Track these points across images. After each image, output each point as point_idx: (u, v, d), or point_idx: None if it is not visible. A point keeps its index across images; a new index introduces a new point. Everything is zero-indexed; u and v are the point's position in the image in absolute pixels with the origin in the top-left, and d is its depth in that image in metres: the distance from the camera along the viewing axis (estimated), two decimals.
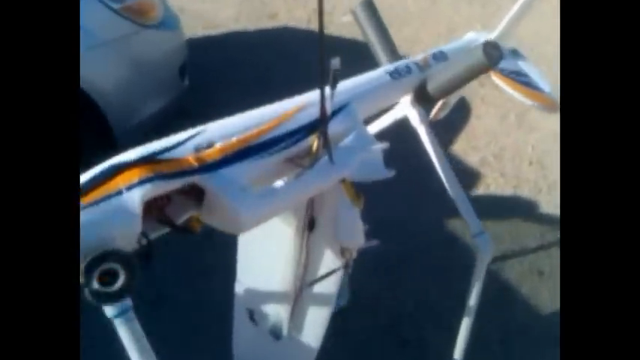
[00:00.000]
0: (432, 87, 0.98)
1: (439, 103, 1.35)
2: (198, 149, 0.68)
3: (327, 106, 0.75)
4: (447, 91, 0.98)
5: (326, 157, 0.78)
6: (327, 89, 0.72)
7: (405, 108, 1.12)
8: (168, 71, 2.27)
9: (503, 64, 1.20)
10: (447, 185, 1.18)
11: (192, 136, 0.69)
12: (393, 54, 1.07)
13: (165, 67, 2.26)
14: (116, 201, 0.57)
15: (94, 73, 1.93)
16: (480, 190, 2.45)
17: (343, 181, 0.81)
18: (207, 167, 0.67)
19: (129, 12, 2.05)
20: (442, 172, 1.16)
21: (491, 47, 0.89)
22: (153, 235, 0.67)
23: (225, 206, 0.67)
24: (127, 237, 0.59)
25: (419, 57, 1.04)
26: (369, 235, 0.84)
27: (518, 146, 2.76)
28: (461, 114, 3.04)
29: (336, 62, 0.71)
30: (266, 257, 1.03)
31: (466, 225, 1.98)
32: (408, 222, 2.21)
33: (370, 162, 0.85)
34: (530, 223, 2.24)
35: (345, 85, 0.89)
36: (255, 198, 0.69)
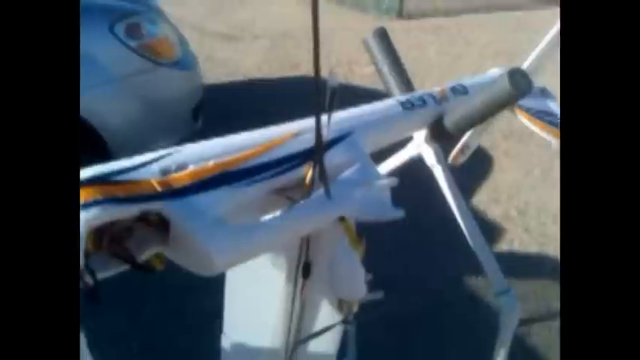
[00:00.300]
0: (449, 121, 0.88)
1: (458, 146, 1.23)
2: (165, 172, 0.58)
3: (323, 130, 0.64)
4: (466, 125, 0.86)
5: (321, 191, 0.67)
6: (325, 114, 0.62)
7: (418, 145, 1.01)
8: (180, 111, 2.22)
9: (531, 103, 1.09)
10: (467, 236, 1.05)
11: (161, 157, 0.59)
12: (407, 86, 0.98)
13: (179, 107, 2.22)
14: None
15: (103, 109, 1.89)
16: (503, 247, 2.29)
17: (342, 219, 0.69)
18: (174, 193, 0.56)
19: (146, 50, 2.03)
20: (462, 220, 1.04)
21: (519, 75, 0.79)
22: (105, 273, 0.55)
23: (193, 240, 0.56)
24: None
25: (435, 89, 0.94)
26: (372, 285, 0.71)
27: (543, 202, 2.61)
28: (482, 167, 2.92)
29: (333, 80, 0.61)
30: (255, 307, 0.90)
31: (489, 282, 1.81)
32: (426, 278, 2.05)
33: (375, 199, 0.73)
34: (557, 284, 2.06)
35: (349, 112, 0.79)
36: (230, 232, 0.58)
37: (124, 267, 0.58)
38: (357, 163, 0.73)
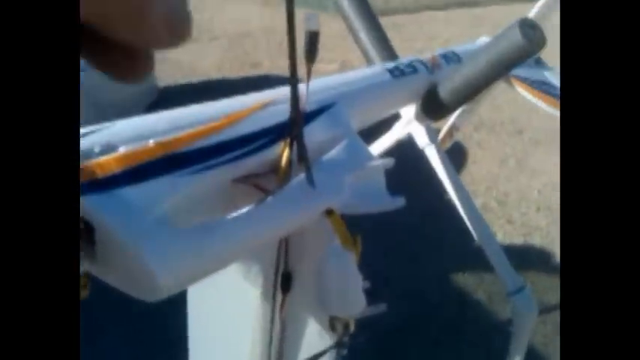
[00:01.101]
0: (445, 90, 0.73)
1: (445, 127, 1.09)
2: (87, 156, 0.41)
3: (302, 96, 0.49)
4: (467, 93, 0.71)
5: (302, 177, 0.51)
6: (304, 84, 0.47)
7: (408, 124, 0.86)
8: (131, 113, 2.02)
9: (526, 72, 0.96)
10: (470, 226, 0.91)
11: (84, 135, 0.42)
12: (390, 54, 0.82)
13: (129, 109, 2.01)
14: None
15: None
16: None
17: (330, 213, 0.53)
18: (97, 186, 0.39)
19: None
20: (463, 208, 0.89)
21: (530, 27, 0.64)
22: None
23: (127, 253, 0.39)
24: None
25: (425, 56, 0.79)
26: (371, 295, 0.55)
27: (522, 191, 2.52)
28: (457, 159, 2.81)
29: (313, 21, 0.46)
30: (225, 330, 0.73)
31: (480, 278, 1.68)
32: (409, 278, 1.91)
33: (368, 185, 0.58)
34: (547, 276, 1.95)
35: (330, 80, 0.63)
36: (179, 239, 0.41)
37: None
38: (343, 141, 0.58)
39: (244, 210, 0.47)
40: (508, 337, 1.09)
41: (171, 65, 4.15)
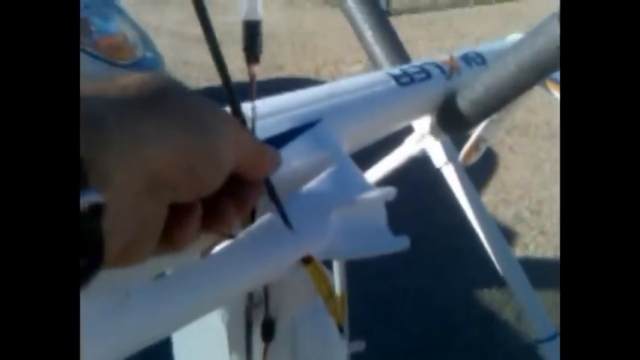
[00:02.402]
0: (466, 100, 0.61)
1: (471, 139, 0.96)
2: None
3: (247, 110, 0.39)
4: (491, 106, 0.59)
5: (269, 217, 0.40)
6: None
7: (421, 139, 0.74)
8: None
9: (557, 72, 0.82)
10: (495, 261, 0.78)
11: None
12: (401, 57, 0.71)
13: None
14: None
15: None
16: (518, 252, 2.02)
17: (307, 262, 0.42)
18: None
19: (95, 48, 1.77)
20: (486, 239, 0.77)
21: None
22: None
23: None
24: None
25: (441, 57, 0.67)
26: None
27: (557, 200, 2.35)
28: (486, 165, 2.65)
29: (253, 4, 0.35)
30: None
31: (508, 295, 1.54)
32: (433, 292, 1.78)
33: (364, 224, 0.47)
34: None
35: (317, 91, 0.52)
36: (93, 310, 0.31)
37: None
38: (329, 167, 0.46)
39: (188, 266, 0.37)
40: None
41: (194, 68, 4.12)
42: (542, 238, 2.10)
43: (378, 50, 0.70)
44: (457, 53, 0.69)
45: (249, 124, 0.39)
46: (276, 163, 0.35)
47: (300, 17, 5.40)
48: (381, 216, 0.48)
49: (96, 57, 1.75)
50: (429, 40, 4.88)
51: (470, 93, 0.60)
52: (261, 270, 0.40)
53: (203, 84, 3.88)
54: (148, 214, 0.26)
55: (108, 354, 0.32)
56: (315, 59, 4.36)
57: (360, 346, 0.48)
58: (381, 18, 0.72)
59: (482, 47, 0.74)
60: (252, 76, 0.38)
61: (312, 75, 4.07)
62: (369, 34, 0.71)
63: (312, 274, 0.42)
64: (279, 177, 0.41)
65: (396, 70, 0.60)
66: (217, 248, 0.39)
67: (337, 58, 4.28)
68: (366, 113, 0.54)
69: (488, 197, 2.36)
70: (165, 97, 0.26)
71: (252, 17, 0.36)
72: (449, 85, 0.64)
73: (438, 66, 0.64)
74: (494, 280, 1.77)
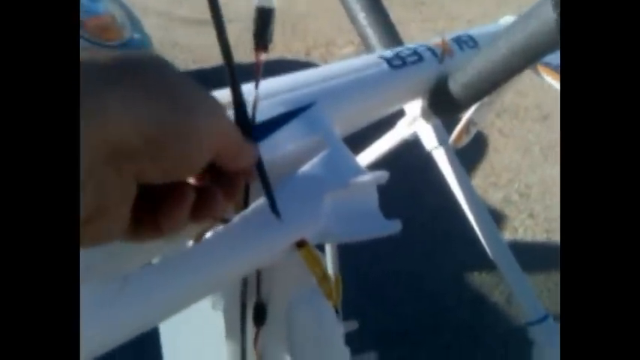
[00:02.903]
0: (458, 83, 0.61)
1: (462, 122, 0.97)
2: None
3: (248, 94, 0.38)
4: (483, 89, 0.59)
5: (263, 201, 0.40)
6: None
7: (413, 122, 0.74)
8: None
9: (557, 57, 0.82)
10: (485, 243, 0.79)
11: None
12: (394, 40, 0.70)
13: None
14: None
15: None
16: (507, 235, 2.04)
17: (301, 246, 0.42)
18: None
19: (83, 29, 1.73)
20: (476, 221, 0.77)
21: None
22: None
23: None
24: None
25: (434, 40, 0.66)
26: (358, 338, 0.45)
27: (546, 183, 2.37)
28: (476, 148, 2.67)
29: None
30: None
31: (498, 278, 1.56)
32: (424, 277, 1.80)
33: (356, 206, 0.47)
34: None
35: (309, 74, 0.51)
36: (93, 294, 0.31)
37: None
38: (322, 152, 0.46)
39: (182, 251, 0.36)
40: (526, 344, 0.99)
41: (183, 51, 4.06)
42: (531, 221, 2.13)
43: (370, 33, 0.69)
44: (449, 36, 0.69)
45: (250, 109, 0.39)
46: (254, 158, 0.34)
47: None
48: (374, 199, 0.49)
49: (83, 38, 1.72)
50: (421, 22, 4.85)
51: (462, 76, 0.60)
52: (255, 254, 0.40)
53: (192, 66, 3.83)
54: (111, 188, 0.25)
55: (108, 339, 0.32)
56: (305, 40, 4.32)
57: (353, 325, 0.48)
58: (373, 1, 0.71)
59: (475, 30, 0.74)
60: (259, 64, 0.38)
61: (302, 57, 4.04)
62: (361, 16, 0.70)
63: (306, 257, 0.42)
64: (273, 161, 0.41)
65: (389, 53, 0.60)
66: (210, 233, 0.39)
67: (328, 40, 4.25)
68: (359, 96, 0.54)
69: (477, 180, 2.37)
70: (141, 72, 0.26)
71: (265, 4, 0.35)
72: (441, 69, 0.64)
73: (430, 49, 0.64)
74: (484, 263, 1.80)
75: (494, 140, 2.73)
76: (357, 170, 0.47)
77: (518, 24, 0.56)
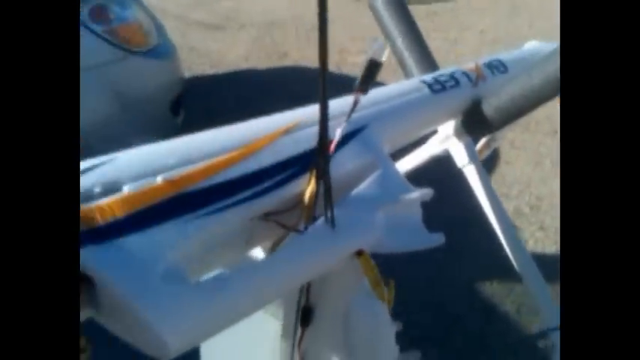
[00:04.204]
0: (492, 106, 0.66)
1: (484, 138, 1.02)
2: (87, 198, 0.36)
3: (334, 123, 0.43)
4: (515, 112, 0.65)
5: (329, 215, 0.45)
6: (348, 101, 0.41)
7: (445, 139, 0.79)
8: (157, 105, 1.99)
9: None
10: (510, 254, 0.84)
11: (85, 171, 0.38)
12: (431, 64, 0.75)
13: (155, 100, 1.98)
14: None
15: None
16: None
17: (360, 254, 0.47)
18: (99, 233, 0.35)
19: (115, 36, 1.80)
20: (503, 234, 0.82)
21: None
22: None
23: (131, 312, 0.34)
24: None
25: (468, 65, 0.72)
26: (402, 338, 0.50)
27: (557, 195, 2.41)
28: (487, 160, 2.71)
29: (380, 49, 0.40)
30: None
31: (509, 288, 1.59)
32: (435, 286, 1.84)
33: (403, 220, 0.52)
34: None
35: (363, 98, 0.57)
36: (189, 295, 0.36)
37: None
38: (375, 170, 0.52)
39: (264, 258, 0.42)
40: (535, 352, 1.02)
41: (200, 55, 4.12)
42: (542, 233, 2.17)
43: (407, 56, 0.75)
44: (482, 60, 0.74)
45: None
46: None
47: (300, 4, 5.41)
48: (418, 214, 0.54)
49: (114, 44, 1.78)
50: (432, 31, 4.90)
51: (496, 100, 0.65)
52: (322, 262, 0.45)
53: (208, 71, 3.90)
54: None
55: (198, 336, 0.37)
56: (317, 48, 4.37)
57: (398, 326, 0.53)
58: (411, 25, 0.76)
59: (504, 55, 0.79)
60: (356, 101, 0.43)
61: (315, 63, 4.09)
62: (399, 41, 0.75)
63: (364, 264, 0.48)
64: (336, 178, 0.47)
65: (429, 78, 0.65)
66: (285, 242, 0.44)
67: (342, 47, 4.30)
68: (405, 119, 0.59)
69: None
70: None
71: (377, 58, 0.40)
72: (475, 92, 0.69)
73: (465, 74, 0.69)
74: (495, 274, 1.83)
75: (506, 153, 2.77)
76: (406, 187, 0.53)
77: (551, 57, 0.61)
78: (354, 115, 0.55)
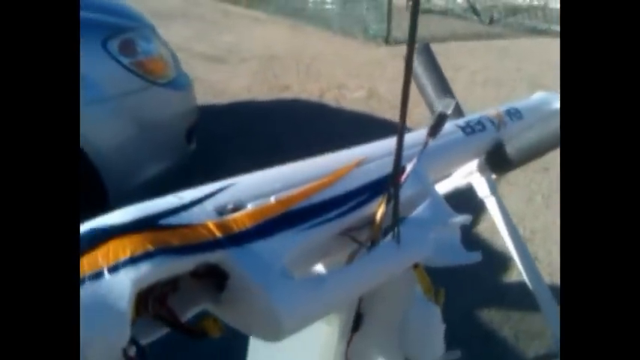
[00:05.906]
0: (513, 148, 0.78)
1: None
2: (221, 212, 0.46)
3: (402, 158, 0.54)
4: (533, 154, 0.77)
5: (395, 232, 0.55)
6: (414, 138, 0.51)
7: (469, 174, 0.91)
8: (174, 132, 2.10)
9: None
10: (528, 282, 0.95)
11: (213, 193, 0.47)
12: (457, 110, 0.88)
13: (172, 128, 2.09)
14: (92, 290, 0.35)
15: (94, 129, 1.75)
16: (512, 277, 2.19)
17: (416, 266, 0.58)
18: (234, 239, 0.44)
19: (140, 68, 1.91)
20: (521, 263, 0.93)
21: None
22: (146, 340, 0.43)
23: (259, 299, 0.44)
24: (107, 349, 0.36)
25: (491, 112, 0.84)
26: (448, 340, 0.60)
27: (548, 229, 2.54)
28: None
29: (449, 106, 0.52)
30: None
31: (507, 315, 1.67)
32: None
33: (448, 242, 0.62)
34: None
35: (410, 138, 0.68)
36: (300, 288, 0.46)
37: (166, 330, 0.45)
38: (426, 198, 0.62)
39: (347, 265, 0.52)
40: None
41: (203, 84, 4.25)
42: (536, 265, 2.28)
43: (437, 102, 0.87)
44: (502, 108, 0.87)
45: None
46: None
47: (300, 39, 5.61)
48: (458, 235, 0.64)
49: (139, 75, 1.90)
50: None
51: (517, 142, 0.78)
52: (387, 273, 0.55)
53: (211, 100, 4.03)
54: None
55: (308, 319, 0.47)
56: (319, 82, 4.53)
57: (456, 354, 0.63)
58: (439, 74, 0.89)
59: (519, 104, 0.92)
60: (427, 142, 0.54)
61: (315, 97, 4.24)
62: (429, 89, 0.88)
63: (419, 275, 0.58)
64: (401, 204, 0.57)
65: (461, 122, 0.77)
66: (361, 253, 0.54)
67: (340, 83, 4.47)
68: (445, 156, 0.71)
69: (484, 224, 2.54)
70: None
71: (445, 111, 0.51)
72: (497, 135, 0.81)
73: (490, 119, 0.82)
74: (494, 300, 1.92)
75: (500, 188, 2.91)
76: (450, 212, 0.64)
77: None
78: (408, 152, 0.66)
